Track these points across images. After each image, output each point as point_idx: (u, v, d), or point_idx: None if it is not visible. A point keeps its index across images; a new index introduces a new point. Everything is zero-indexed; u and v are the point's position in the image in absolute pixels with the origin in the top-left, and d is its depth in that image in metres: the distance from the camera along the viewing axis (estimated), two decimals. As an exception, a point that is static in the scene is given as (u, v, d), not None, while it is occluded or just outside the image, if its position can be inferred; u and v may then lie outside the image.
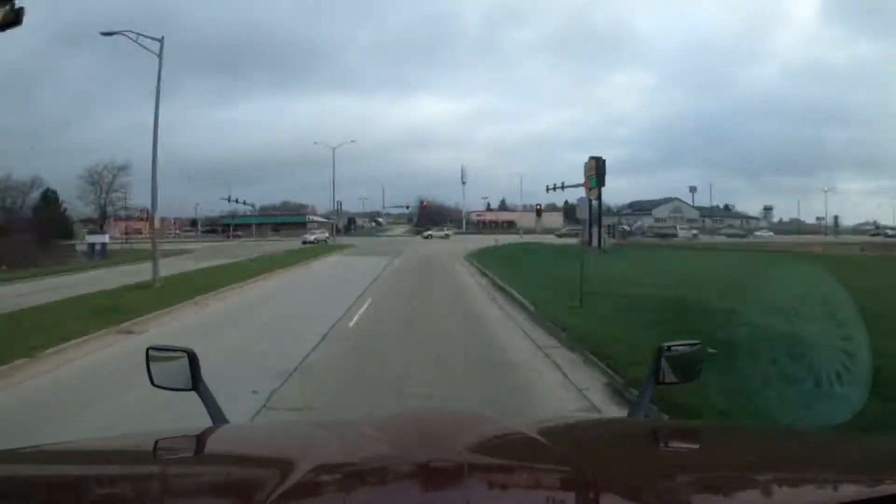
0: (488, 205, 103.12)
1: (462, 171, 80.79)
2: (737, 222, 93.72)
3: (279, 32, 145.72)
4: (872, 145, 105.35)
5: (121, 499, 1.09)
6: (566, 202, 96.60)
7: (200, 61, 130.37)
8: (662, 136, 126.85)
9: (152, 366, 1.84)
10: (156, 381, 1.83)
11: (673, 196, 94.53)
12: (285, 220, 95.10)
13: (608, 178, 36.79)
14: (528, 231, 63.92)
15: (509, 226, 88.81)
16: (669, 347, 1.80)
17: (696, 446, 1.51)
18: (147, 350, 1.87)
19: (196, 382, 1.78)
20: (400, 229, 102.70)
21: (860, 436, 2.23)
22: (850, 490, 1.01)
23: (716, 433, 1.76)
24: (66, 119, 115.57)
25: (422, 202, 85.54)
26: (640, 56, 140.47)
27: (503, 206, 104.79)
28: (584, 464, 1.17)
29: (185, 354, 1.79)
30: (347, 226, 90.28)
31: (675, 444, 1.51)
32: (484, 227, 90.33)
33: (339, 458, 1.23)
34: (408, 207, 74.16)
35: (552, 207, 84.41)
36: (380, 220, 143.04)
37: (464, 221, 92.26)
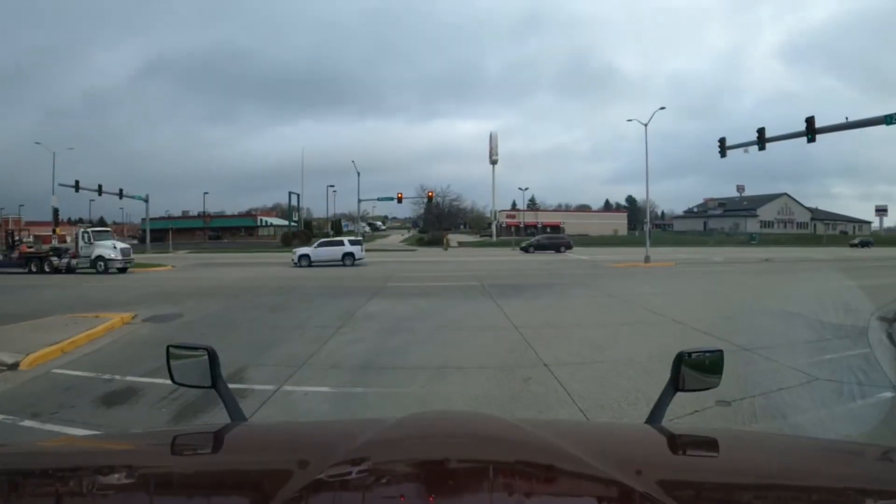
0: (514, 203, 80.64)
1: (491, 138, 57.49)
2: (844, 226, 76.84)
3: (337, 70, 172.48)
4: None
5: (138, 494, 1.11)
6: (630, 199, 76.60)
7: (266, 89, 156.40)
8: (663, 147, 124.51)
9: (172, 363, 1.82)
10: (176, 379, 1.81)
11: (780, 192, 75.78)
12: (229, 223, 76.89)
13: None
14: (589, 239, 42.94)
15: (553, 231, 67.64)
16: (690, 354, 1.77)
17: (715, 454, 1.42)
18: (167, 348, 1.83)
19: (216, 380, 1.76)
20: (396, 237, 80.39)
21: (878, 445, 1.79)
22: (865, 500, 1.04)
23: (735, 441, 1.67)
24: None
25: (427, 193, 61.90)
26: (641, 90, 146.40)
27: (532, 206, 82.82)
28: (600, 468, 1.09)
29: (205, 352, 1.77)
30: (301, 232, 66.11)
31: (694, 452, 1.45)
32: (516, 232, 68.35)
33: (354, 458, 1.16)
34: (400, 200, 49.69)
35: (605, 206, 63.37)
36: (378, 223, 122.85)
37: (494, 225, 68.93)
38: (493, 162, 62.14)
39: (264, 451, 1.38)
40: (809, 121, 20.98)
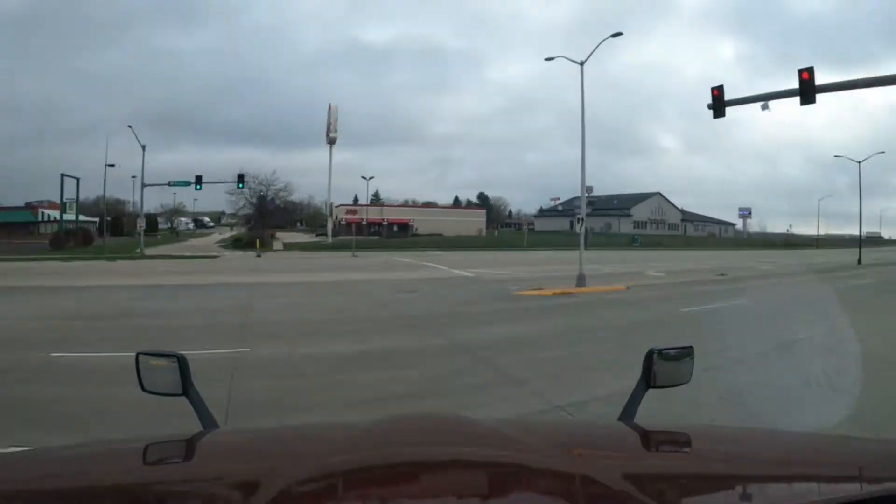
0: (356, 198, 68.49)
1: (330, 110, 44.88)
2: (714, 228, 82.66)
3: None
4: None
5: None
6: (482, 196, 69.08)
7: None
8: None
9: (142, 371, 1.76)
10: (146, 387, 1.76)
11: (652, 191, 72.92)
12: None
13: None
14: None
15: (401, 230, 56.85)
16: (660, 352, 1.77)
17: (688, 449, 1.46)
18: (137, 355, 1.77)
19: (186, 387, 1.72)
20: (217, 236, 64.92)
21: (847, 437, 1.86)
22: (836, 490, 1.04)
23: (707, 436, 1.68)
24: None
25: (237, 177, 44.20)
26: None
27: (376, 201, 71.79)
28: (573, 466, 1.13)
29: (175, 359, 1.72)
30: (81, 231, 46.12)
31: (666, 447, 1.48)
32: (358, 230, 55.03)
33: (328, 463, 1.16)
34: (199, 183, 35.17)
35: (455, 203, 54.63)
36: (205, 219, 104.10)
37: (331, 221, 54.27)
38: (331, 141, 48.99)
39: (236, 460, 1.34)
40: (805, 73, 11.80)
